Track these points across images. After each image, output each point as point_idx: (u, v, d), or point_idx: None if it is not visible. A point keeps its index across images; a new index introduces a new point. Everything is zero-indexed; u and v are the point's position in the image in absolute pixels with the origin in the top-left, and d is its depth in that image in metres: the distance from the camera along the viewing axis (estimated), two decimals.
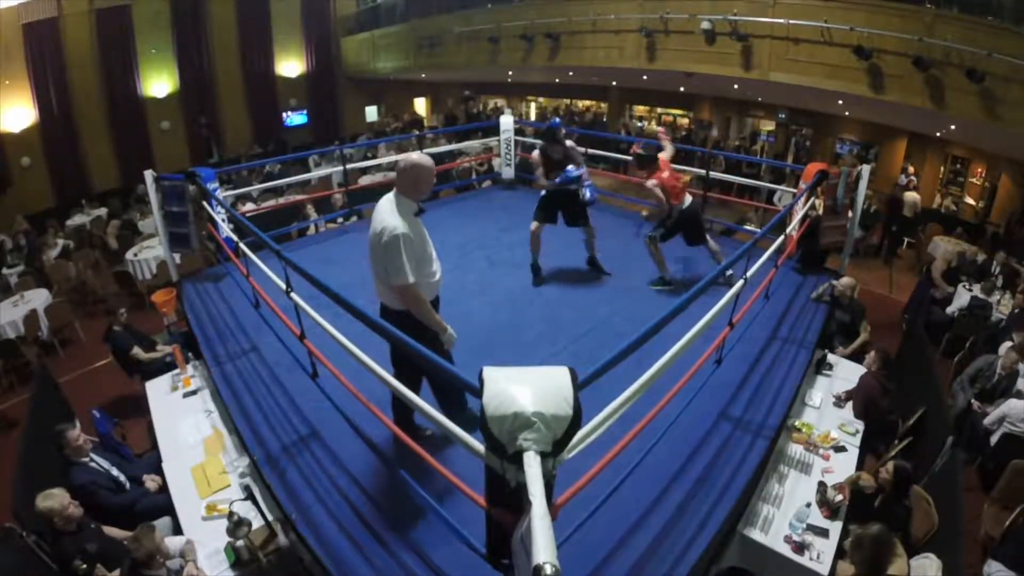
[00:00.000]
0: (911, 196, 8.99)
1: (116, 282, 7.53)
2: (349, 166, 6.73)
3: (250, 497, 2.77)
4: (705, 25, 7.93)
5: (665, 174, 4.33)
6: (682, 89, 12.03)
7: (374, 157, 10.73)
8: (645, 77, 10.50)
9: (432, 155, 2.86)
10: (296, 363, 3.57)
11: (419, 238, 2.53)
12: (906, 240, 9.00)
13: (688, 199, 4.47)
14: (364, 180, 9.48)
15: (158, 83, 12.89)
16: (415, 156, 2.52)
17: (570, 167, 4.35)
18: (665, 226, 4.51)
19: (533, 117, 16.56)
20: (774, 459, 3.24)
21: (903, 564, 2.60)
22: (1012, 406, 4.13)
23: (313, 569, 2.46)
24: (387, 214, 2.45)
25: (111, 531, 3.02)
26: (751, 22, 7.63)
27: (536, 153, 4.59)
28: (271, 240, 3.23)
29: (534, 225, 4.57)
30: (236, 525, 2.62)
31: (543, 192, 4.60)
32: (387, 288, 2.54)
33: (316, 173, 9.68)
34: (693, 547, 2.36)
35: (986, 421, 4.29)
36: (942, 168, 10.18)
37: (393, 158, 9.74)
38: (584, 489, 1.94)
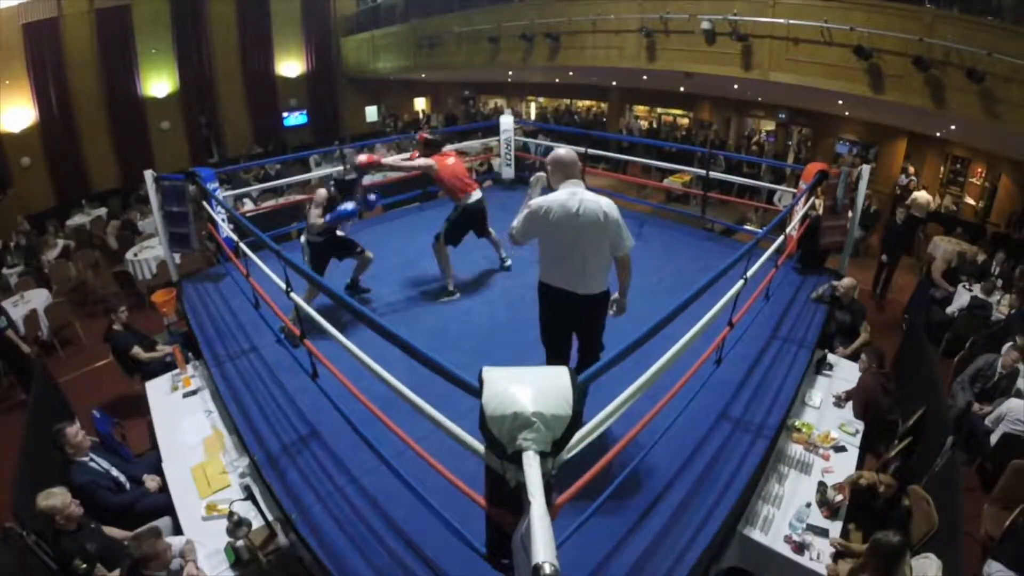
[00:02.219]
0: (923, 196, 8.34)
1: (116, 282, 7.53)
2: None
3: (250, 497, 2.77)
4: (705, 25, 7.93)
5: (450, 160, 4.44)
6: (682, 89, 12.03)
7: None
8: (645, 77, 10.51)
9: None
10: (296, 363, 3.57)
11: None
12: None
13: (476, 195, 4.43)
14: (364, 180, 9.48)
15: (158, 83, 12.89)
16: (564, 149, 2.74)
17: (346, 204, 3.88)
18: (450, 220, 4.45)
19: (533, 117, 16.55)
20: (774, 459, 3.24)
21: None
22: (1012, 406, 4.13)
23: (313, 569, 2.46)
24: (588, 198, 2.57)
25: (111, 531, 3.03)
26: (751, 22, 7.62)
27: (325, 191, 3.96)
28: (271, 240, 3.23)
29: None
30: (236, 525, 2.62)
31: (317, 238, 3.97)
32: (604, 268, 2.68)
33: (316, 173, 9.66)
34: (693, 547, 2.36)
35: (986, 421, 4.29)
36: (942, 168, 10.17)
37: (393, 157, 9.74)
38: (584, 489, 1.94)
